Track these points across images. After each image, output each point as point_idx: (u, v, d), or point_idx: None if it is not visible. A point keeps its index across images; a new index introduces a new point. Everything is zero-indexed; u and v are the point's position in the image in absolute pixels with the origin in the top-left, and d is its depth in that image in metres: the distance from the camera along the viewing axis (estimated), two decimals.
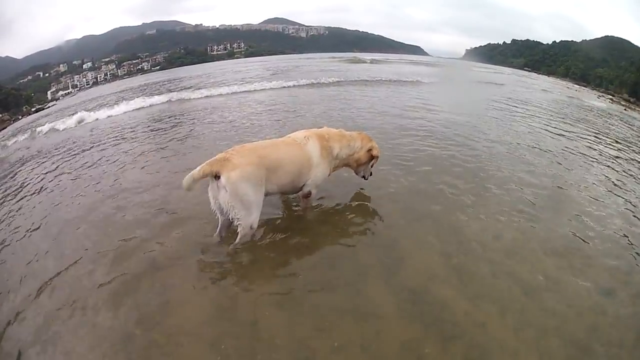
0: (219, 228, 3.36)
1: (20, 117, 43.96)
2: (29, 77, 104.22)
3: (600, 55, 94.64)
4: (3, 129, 29.98)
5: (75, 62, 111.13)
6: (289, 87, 15.59)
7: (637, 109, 35.28)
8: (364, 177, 4.18)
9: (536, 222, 4.06)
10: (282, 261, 3.20)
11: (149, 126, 9.52)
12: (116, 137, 8.44)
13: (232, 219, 3.14)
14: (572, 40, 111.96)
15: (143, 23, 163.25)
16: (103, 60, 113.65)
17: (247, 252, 3.24)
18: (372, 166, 4.11)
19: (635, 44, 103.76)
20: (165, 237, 3.59)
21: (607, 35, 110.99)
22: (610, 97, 43.96)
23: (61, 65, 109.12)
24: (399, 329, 2.58)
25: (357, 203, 4.25)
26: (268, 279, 3.03)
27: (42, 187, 5.77)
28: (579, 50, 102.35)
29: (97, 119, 12.25)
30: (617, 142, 9.43)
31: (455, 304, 2.79)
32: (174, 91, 16.90)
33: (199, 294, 2.87)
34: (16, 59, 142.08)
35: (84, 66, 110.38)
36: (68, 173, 6.22)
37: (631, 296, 3.09)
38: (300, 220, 3.85)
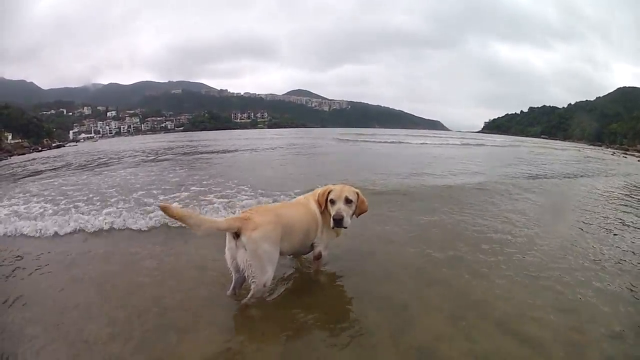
0: (232, 285, 3.23)
1: (40, 148, 44.11)
2: (52, 111, 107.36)
3: (614, 110, 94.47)
4: (22, 154, 30.13)
5: (100, 108, 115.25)
6: None
7: None
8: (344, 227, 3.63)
9: None
10: (291, 319, 3.02)
11: None
12: None
13: (247, 277, 3.04)
14: (586, 100, 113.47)
15: (169, 81, 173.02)
16: (127, 111, 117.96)
17: (257, 309, 3.13)
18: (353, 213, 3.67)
19: None
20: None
21: (620, 87, 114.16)
22: (624, 152, 42.80)
23: (85, 108, 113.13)
24: None
25: (368, 267, 4.10)
26: (276, 336, 2.83)
27: None
28: (594, 109, 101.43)
29: None
30: None
31: None
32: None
33: (207, 345, 2.62)
34: (41, 88, 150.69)
35: (109, 114, 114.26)
36: None
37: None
38: (311, 281, 3.72)
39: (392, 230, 4.89)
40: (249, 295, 3.12)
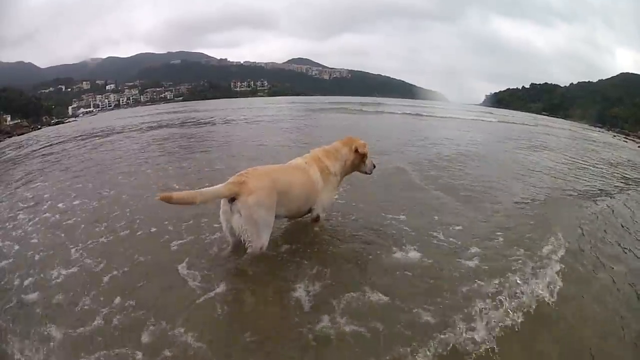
0: (230, 248, 3.46)
1: (39, 126, 45.68)
2: (51, 89, 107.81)
3: (616, 94, 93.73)
4: (21, 134, 31.30)
5: (98, 82, 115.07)
6: None
7: None
8: (366, 172, 4.29)
9: None
10: (287, 282, 3.18)
11: None
12: None
13: (244, 240, 3.20)
14: (588, 81, 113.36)
15: (168, 52, 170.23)
16: (127, 83, 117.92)
17: (254, 270, 3.30)
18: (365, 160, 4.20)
19: None
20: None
21: (623, 72, 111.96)
22: (625, 136, 44.55)
23: (84, 83, 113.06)
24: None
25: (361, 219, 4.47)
26: (271, 296, 3.06)
27: None
28: (596, 91, 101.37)
29: None
30: None
31: None
32: None
33: (204, 307, 2.83)
34: (39, 68, 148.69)
35: (107, 87, 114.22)
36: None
37: None
38: (310, 243, 3.89)
39: None
40: (244, 258, 3.30)
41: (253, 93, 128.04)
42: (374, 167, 4.30)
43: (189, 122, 19.96)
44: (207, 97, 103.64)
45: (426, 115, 29.60)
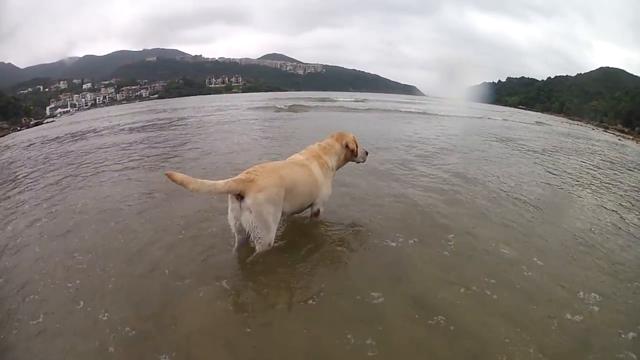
0: (236, 246, 3.61)
1: (19, 128, 46.91)
2: (30, 89, 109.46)
3: (596, 88, 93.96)
4: (2, 136, 30.38)
5: (75, 81, 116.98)
6: None
7: (629, 137, 37.59)
8: (360, 162, 4.57)
9: None
10: (294, 274, 3.44)
11: None
12: None
13: (253, 238, 3.36)
14: (566, 75, 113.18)
15: (144, 49, 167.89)
16: (103, 82, 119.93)
17: (262, 265, 3.45)
18: (356, 154, 4.40)
19: (631, 73, 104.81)
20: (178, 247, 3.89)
21: (603, 67, 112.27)
22: (604, 129, 46.46)
23: (61, 82, 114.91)
24: (406, 329, 2.85)
25: (363, 221, 4.67)
26: (281, 290, 3.22)
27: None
28: (574, 85, 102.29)
29: None
30: None
31: (457, 306, 3.15)
32: None
33: (215, 300, 3.06)
34: (18, 68, 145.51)
35: (84, 86, 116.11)
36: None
37: None
38: (310, 236, 4.15)
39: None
40: (253, 254, 3.45)
41: (228, 89, 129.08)
42: (367, 154, 4.52)
43: (161, 123, 18.67)
44: (182, 94, 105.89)
45: (381, 110, 29.41)
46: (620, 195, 7.53)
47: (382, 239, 4.20)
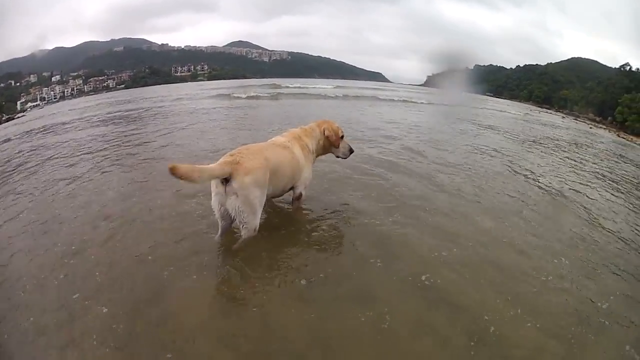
0: (220, 232, 3.56)
1: None
2: (2, 85, 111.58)
3: (567, 78, 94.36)
4: None
5: (45, 74, 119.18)
6: None
7: (602, 127, 39.71)
8: (340, 157, 4.48)
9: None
10: (281, 257, 3.42)
11: None
12: None
13: (239, 222, 3.29)
14: (536, 64, 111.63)
15: (112, 39, 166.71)
16: (71, 74, 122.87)
17: (247, 251, 3.41)
18: (335, 145, 4.32)
19: (604, 63, 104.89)
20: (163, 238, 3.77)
21: (574, 57, 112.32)
22: (574, 117, 47.44)
23: (32, 76, 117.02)
24: (405, 309, 2.88)
25: (343, 204, 4.73)
26: (271, 275, 3.19)
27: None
28: (544, 74, 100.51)
29: None
30: None
31: (453, 283, 3.28)
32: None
33: (205, 293, 3.02)
34: None
35: (53, 79, 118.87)
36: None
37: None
38: (293, 220, 4.20)
39: None
40: (240, 241, 3.41)
41: (193, 77, 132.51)
42: (352, 152, 4.43)
43: (124, 115, 17.72)
44: (148, 84, 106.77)
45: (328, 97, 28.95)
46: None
47: (370, 218, 4.28)
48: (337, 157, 4.45)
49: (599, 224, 5.37)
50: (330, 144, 4.23)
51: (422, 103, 29.83)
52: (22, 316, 2.84)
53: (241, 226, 3.30)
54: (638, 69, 71.45)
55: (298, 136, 4.05)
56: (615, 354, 2.81)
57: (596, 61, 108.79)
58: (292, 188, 4.02)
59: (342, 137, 4.34)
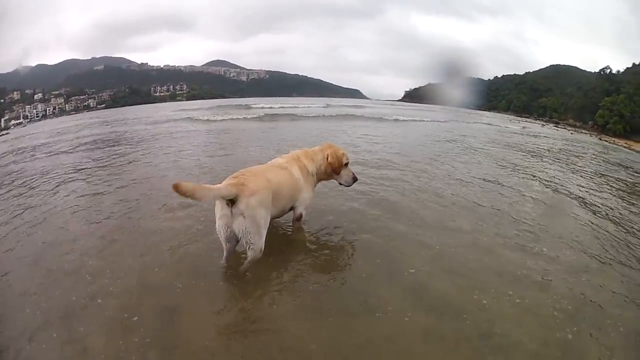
0: (225, 255, 3.61)
1: None
2: None
3: (546, 86, 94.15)
4: None
5: (27, 91, 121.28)
6: None
7: (583, 131, 39.98)
8: (342, 184, 4.47)
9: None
10: (288, 276, 3.54)
11: None
12: None
13: (245, 243, 3.34)
14: (514, 74, 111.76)
15: (92, 57, 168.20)
16: (53, 92, 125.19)
17: (254, 271, 3.51)
18: (336, 172, 4.34)
19: (583, 69, 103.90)
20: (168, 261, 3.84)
21: (553, 64, 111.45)
22: (555, 124, 48.36)
23: (15, 93, 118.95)
24: (413, 320, 2.95)
25: (341, 224, 4.79)
26: (279, 293, 3.28)
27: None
28: (522, 83, 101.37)
29: None
30: None
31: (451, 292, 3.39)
32: None
33: (216, 315, 3.07)
34: None
35: (35, 97, 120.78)
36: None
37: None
38: (295, 240, 4.31)
39: None
40: (246, 262, 3.47)
41: (172, 97, 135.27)
42: (355, 180, 4.43)
43: (107, 139, 17.14)
44: (128, 104, 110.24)
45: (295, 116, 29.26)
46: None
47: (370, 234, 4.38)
48: (340, 184, 4.47)
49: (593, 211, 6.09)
50: (333, 171, 4.24)
51: (413, 120, 31.32)
52: None
53: (247, 247, 3.37)
54: (619, 71, 72.32)
55: (297, 157, 4.15)
56: (615, 352, 2.95)
57: (576, 67, 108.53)
58: (292, 209, 4.13)
59: (347, 164, 4.34)
